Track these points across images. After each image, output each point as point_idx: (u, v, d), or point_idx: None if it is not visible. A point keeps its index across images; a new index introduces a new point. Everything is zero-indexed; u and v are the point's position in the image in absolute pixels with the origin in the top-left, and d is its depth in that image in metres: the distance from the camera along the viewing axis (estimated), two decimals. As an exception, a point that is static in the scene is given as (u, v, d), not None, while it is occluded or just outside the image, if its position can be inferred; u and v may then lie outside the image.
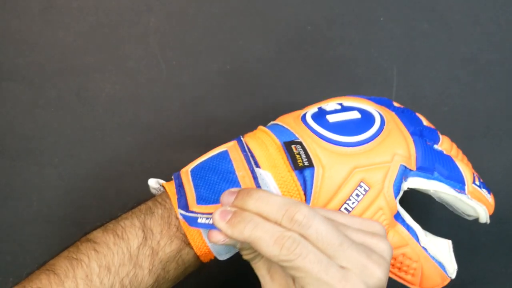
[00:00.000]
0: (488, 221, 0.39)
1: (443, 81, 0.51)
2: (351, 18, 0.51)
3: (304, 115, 0.39)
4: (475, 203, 0.38)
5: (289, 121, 0.39)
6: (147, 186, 0.38)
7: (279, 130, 0.38)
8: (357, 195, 0.35)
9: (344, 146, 0.36)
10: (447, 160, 0.38)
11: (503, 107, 0.51)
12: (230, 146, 0.38)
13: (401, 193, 0.36)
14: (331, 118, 0.38)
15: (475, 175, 0.39)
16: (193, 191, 0.35)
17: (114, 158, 0.50)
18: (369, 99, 0.42)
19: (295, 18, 0.51)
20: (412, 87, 0.51)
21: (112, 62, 0.49)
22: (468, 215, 0.39)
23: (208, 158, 0.37)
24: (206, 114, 0.50)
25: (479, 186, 0.39)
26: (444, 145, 0.40)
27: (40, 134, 0.49)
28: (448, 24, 0.51)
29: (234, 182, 0.35)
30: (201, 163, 0.37)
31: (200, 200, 0.34)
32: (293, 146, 0.36)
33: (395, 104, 0.44)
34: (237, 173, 0.35)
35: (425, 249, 0.37)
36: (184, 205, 0.35)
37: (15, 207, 0.49)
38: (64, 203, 0.49)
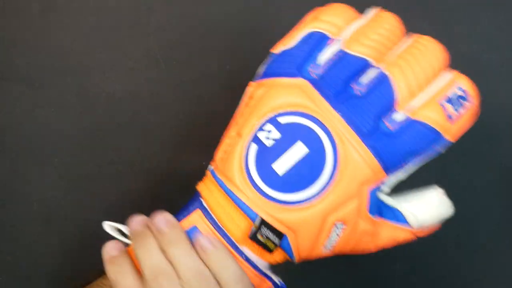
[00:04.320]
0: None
1: (443, 81, 0.51)
2: (351, 18, 0.50)
3: (248, 168, 0.33)
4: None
5: (237, 183, 0.33)
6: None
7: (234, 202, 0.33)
8: (337, 235, 0.33)
9: (305, 202, 0.32)
10: (412, 130, 0.33)
11: (503, 107, 0.51)
12: (197, 220, 0.33)
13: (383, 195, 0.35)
14: (279, 168, 0.32)
15: (443, 106, 0.33)
16: None
17: (114, 158, 0.50)
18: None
19: (295, 18, 0.51)
20: (412, 87, 0.51)
21: (112, 62, 0.49)
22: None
23: None
24: (206, 114, 0.50)
25: (454, 107, 0.34)
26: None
27: (40, 134, 0.49)
28: (448, 24, 0.51)
29: None
30: None
31: None
32: (259, 236, 0.33)
33: (312, 71, 0.34)
34: None
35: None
36: None
37: (15, 207, 0.49)
38: (64, 203, 0.49)
